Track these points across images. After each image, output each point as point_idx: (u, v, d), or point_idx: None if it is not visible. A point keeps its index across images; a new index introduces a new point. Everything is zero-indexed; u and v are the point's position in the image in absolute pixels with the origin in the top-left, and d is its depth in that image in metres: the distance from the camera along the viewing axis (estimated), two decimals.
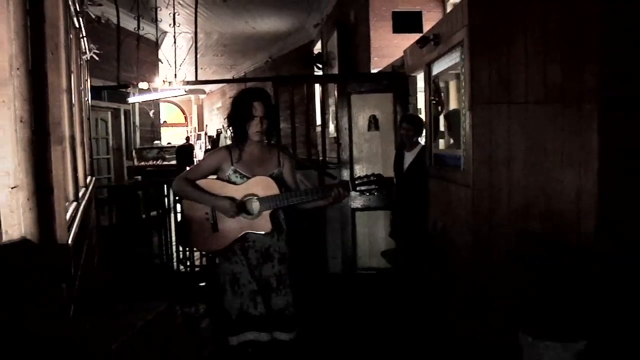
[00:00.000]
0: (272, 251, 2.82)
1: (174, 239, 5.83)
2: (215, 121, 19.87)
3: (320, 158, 5.74)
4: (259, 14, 10.07)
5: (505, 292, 3.12)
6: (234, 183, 2.79)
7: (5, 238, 1.17)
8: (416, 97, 5.07)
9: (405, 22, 6.68)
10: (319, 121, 8.61)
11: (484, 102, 3.14)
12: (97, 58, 4.61)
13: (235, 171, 2.79)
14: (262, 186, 2.75)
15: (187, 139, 16.96)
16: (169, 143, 13.44)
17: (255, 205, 2.76)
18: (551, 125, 3.15)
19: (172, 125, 21.95)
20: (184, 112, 23.20)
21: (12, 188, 1.16)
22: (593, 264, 3.04)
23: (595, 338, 2.82)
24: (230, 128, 2.87)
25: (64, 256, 1.34)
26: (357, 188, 2.72)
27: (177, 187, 2.86)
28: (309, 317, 3.28)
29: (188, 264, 5.79)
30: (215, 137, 17.87)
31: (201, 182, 2.83)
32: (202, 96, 20.59)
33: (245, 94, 2.80)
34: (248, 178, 2.77)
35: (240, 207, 2.74)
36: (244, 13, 9.86)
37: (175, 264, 5.84)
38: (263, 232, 2.74)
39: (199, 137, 20.58)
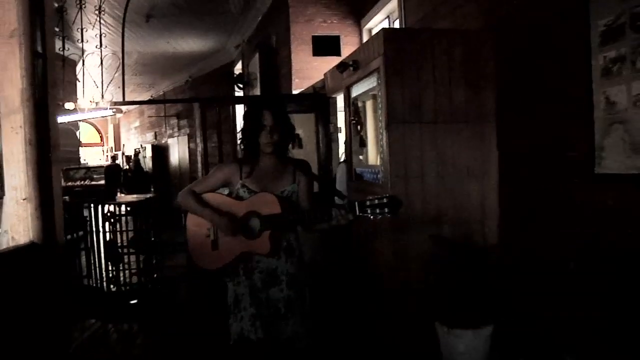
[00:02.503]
0: (278, 273, 2.59)
1: (102, 258, 5.85)
2: (133, 140, 19.47)
3: None
4: (180, 35, 10.16)
5: (422, 290, 3.50)
6: (242, 199, 2.59)
7: (12, 243, 1.37)
8: (336, 117, 5.44)
9: (325, 45, 7.04)
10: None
11: (399, 121, 3.52)
12: None
13: (243, 186, 2.59)
14: (264, 204, 2.52)
15: (114, 158, 16.53)
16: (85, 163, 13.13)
17: (255, 224, 2.54)
18: (457, 142, 3.59)
19: (88, 145, 21.25)
20: (99, 132, 22.52)
21: (23, 200, 1.36)
22: (496, 261, 3.49)
23: (500, 323, 3.26)
24: (242, 141, 2.66)
25: (62, 256, 1.55)
26: (364, 210, 2.38)
27: (181, 199, 2.67)
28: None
29: (119, 283, 5.83)
30: (133, 157, 17.56)
31: (207, 196, 2.65)
32: (118, 115, 20.16)
33: (255, 103, 2.66)
34: (256, 194, 2.56)
35: (241, 225, 2.54)
36: (166, 33, 9.92)
37: (105, 283, 5.85)
38: (263, 254, 2.53)
39: (114, 158, 20.08)
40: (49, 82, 1.51)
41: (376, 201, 2.36)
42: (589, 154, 2.73)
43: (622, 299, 2.41)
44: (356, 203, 2.39)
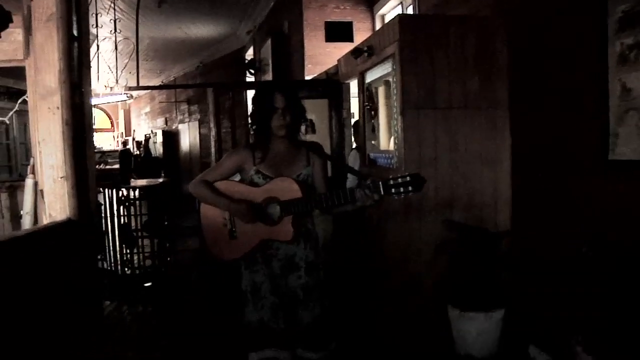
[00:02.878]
0: (297, 260, 2.56)
1: (117, 242, 5.94)
2: (144, 126, 19.58)
3: None
4: (191, 20, 10.18)
5: (435, 273, 3.55)
6: (257, 185, 2.53)
7: (49, 220, 1.43)
8: (349, 103, 5.47)
9: (337, 31, 7.05)
10: None
11: (413, 107, 3.55)
12: None
13: (257, 172, 2.53)
14: (283, 188, 2.45)
15: (125, 143, 16.64)
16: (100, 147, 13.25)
17: (275, 210, 2.48)
18: (470, 128, 3.61)
19: (99, 130, 21.40)
20: (110, 117, 22.66)
21: (60, 178, 1.41)
22: (509, 246, 3.53)
23: (512, 308, 3.31)
24: (252, 125, 2.62)
25: (97, 232, 1.61)
26: (389, 189, 2.26)
27: (193, 189, 2.60)
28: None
29: (133, 266, 5.93)
30: (143, 142, 17.67)
31: (220, 184, 2.58)
32: (129, 101, 20.27)
33: (266, 86, 2.58)
34: (271, 179, 2.50)
35: (259, 211, 2.48)
36: (177, 19, 9.95)
37: (119, 266, 5.95)
38: (286, 240, 2.48)
39: (125, 143, 20.20)
40: (83, 64, 1.56)
41: (399, 180, 2.24)
42: (602, 140, 2.75)
43: (633, 284, 2.44)
44: (380, 183, 2.27)
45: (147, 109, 19.00)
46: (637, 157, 2.56)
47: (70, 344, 1.60)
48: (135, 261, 5.95)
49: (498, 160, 3.65)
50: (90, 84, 1.75)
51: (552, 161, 3.28)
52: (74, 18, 1.49)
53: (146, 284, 5.75)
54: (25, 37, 2.02)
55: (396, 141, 3.70)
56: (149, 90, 18.03)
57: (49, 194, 1.44)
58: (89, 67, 1.75)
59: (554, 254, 3.20)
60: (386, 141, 4.20)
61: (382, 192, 2.27)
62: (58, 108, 1.39)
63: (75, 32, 1.48)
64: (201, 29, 10.92)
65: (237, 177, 2.65)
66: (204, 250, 5.78)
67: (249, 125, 2.67)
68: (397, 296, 3.69)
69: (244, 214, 2.47)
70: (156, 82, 15.96)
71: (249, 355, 2.58)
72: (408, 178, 2.23)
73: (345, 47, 6.05)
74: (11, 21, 1.92)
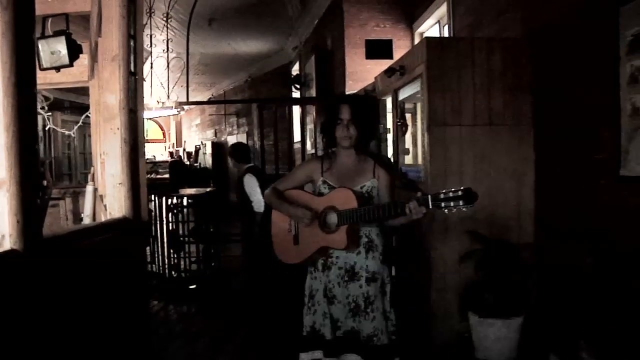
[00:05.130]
0: (358, 269, 2.60)
1: (165, 246, 6.33)
2: (194, 137, 20.26)
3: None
4: (240, 37, 10.65)
5: (458, 283, 3.73)
6: (322, 194, 2.64)
7: (109, 217, 1.76)
8: (386, 118, 5.70)
9: (377, 49, 7.27)
10: (296, 138, 9.27)
11: (440, 124, 3.75)
12: None
13: (324, 182, 2.65)
14: (342, 198, 2.53)
15: (171, 154, 17.33)
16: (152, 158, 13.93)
17: (332, 219, 2.56)
18: (495, 143, 3.79)
19: (151, 141, 22.25)
20: (162, 128, 23.50)
21: (119, 184, 1.75)
22: (530, 258, 3.68)
23: (533, 316, 3.46)
24: (322, 136, 2.73)
25: (147, 228, 1.93)
26: (438, 204, 2.30)
27: (266, 195, 2.78)
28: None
29: (179, 269, 6.31)
30: (194, 153, 18.32)
31: (292, 192, 2.72)
32: (181, 112, 21.04)
33: (334, 98, 2.79)
34: (334, 189, 2.60)
35: (318, 219, 2.59)
36: (227, 36, 10.43)
37: (167, 269, 6.33)
38: (340, 249, 2.56)
39: (172, 154, 20.87)
40: (138, 94, 1.90)
41: (450, 194, 2.27)
42: (615, 156, 2.91)
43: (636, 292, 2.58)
44: (429, 196, 2.32)
45: (198, 121, 19.67)
46: None
47: (122, 330, 1.93)
48: (182, 265, 6.32)
49: (522, 174, 3.81)
50: (143, 108, 2.11)
51: (572, 176, 3.43)
52: (132, 58, 1.85)
53: (191, 287, 6.11)
54: (91, 63, 2.41)
55: (424, 156, 3.92)
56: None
57: (109, 197, 1.81)
58: (142, 96, 2.12)
59: (572, 265, 3.34)
60: (418, 155, 4.42)
61: (430, 206, 2.32)
62: (118, 129, 1.75)
63: (132, 69, 1.84)
64: (249, 45, 11.37)
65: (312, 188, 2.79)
66: (247, 256, 6.11)
67: (321, 137, 2.77)
68: (424, 304, 3.89)
69: (300, 217, 2.59)
70: (206, 94, 16.58)
71: (299, 355, 2.66)
72: (460, 192, 2.26)
73: (385, 64, 6.22)
74: (81, 52, 2.32)
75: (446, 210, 2.29)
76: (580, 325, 3.19)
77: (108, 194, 1.80)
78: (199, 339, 4.47)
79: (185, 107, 18.56)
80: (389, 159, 2.80)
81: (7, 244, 1.37)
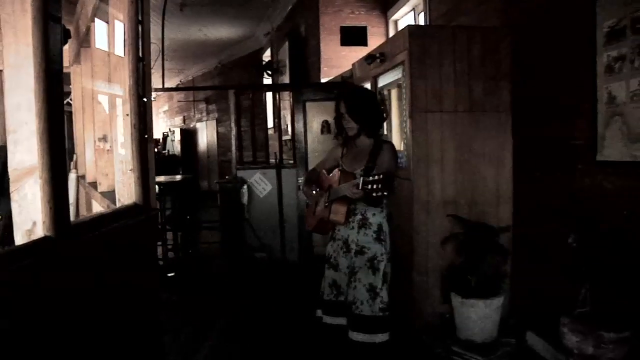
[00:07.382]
0: (350, 242, 2.94)
1: None
2: (162, 124, 19.97)
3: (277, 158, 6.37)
4: (211, 22, 10.53)
5: (440, 265, 3.84)
6: (334, 176, 3.05)
7: (119, 204, 1.77)
8: None
9: (352, 36, 7.32)
10: (269, 124, 9.26)
11: (421, 110, 3.84)
12: None
13: (340, 165, 3.04)
14: (334, 179, 2.99)
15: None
16: None
17: (329, 196, 2.99)
18: (475, 130, 3.90)
19: None
20: None
21: (129, 170, 1.75)
22: (509, 240, 3.82)
23: (512, 295, 3.59)
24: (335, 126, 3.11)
25: (155, 214, 1.95)
26: (363, 187, 2.60)
27: (305, 175, 3.45)
28: None
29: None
30: (161, 140, 18.07)
31: (320, 173, 3.21)
32: (154, 99, 20.67)
33: (330, 86, 3.04)
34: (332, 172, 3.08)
35: (322, 195, 3.04)
36: (198, 21, 10.31)
37: None
38: (337, 222, 2.92)
39: None
40: (146, 80, 1.90)
41: (371, 178, 2.56)
42: (591, 142, 3.04)
43: (614, 273, 2.72)
44: (362, 179, 2.62)
45: (166, 107, 19.40)
46: (619, 158, 2.84)
47: (139, 314, 1.96)
48: (159, 253, 6.29)
49: (500, 159, 3.93)
50: (151, 95, 2.10)
51: (549, 161, 3.56)
52: (140, 43, 1.84)
53: (169, 274, 6.10)
54: (76, 48, 2.38)
55: (405, 142, 4.00)
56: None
57: (119, 184, 1.82)
58: (150, 81, 2.10)
59: (550, 246, 3.48)
60: (398, 141, 4.49)
61: (360, 187, 2.62)
62: (127, 115, 1.74)
63: (141, 55, 1.83)
64: (220, 31, 11.25)
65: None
66: (223, 243, 6.11)
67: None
68: (407, 285, 3.99)
69: (305, 193, 3.20)
70: (175, 81, 16.34)
71: (316, 311, 3.06)
72: (380, 176, 2.54)
73: (359, 51, 6.32)
74: (70, 37, 2.28)
75: (373, 194, 2.56)
76: (556, 304, 3.33)
77: (117, 181, 1.79)
78: (182, 329, 4.47)
79: (154, 93, 18.23)
80: (392, 144, 3.05)
81: (39, 231, 1.38)
